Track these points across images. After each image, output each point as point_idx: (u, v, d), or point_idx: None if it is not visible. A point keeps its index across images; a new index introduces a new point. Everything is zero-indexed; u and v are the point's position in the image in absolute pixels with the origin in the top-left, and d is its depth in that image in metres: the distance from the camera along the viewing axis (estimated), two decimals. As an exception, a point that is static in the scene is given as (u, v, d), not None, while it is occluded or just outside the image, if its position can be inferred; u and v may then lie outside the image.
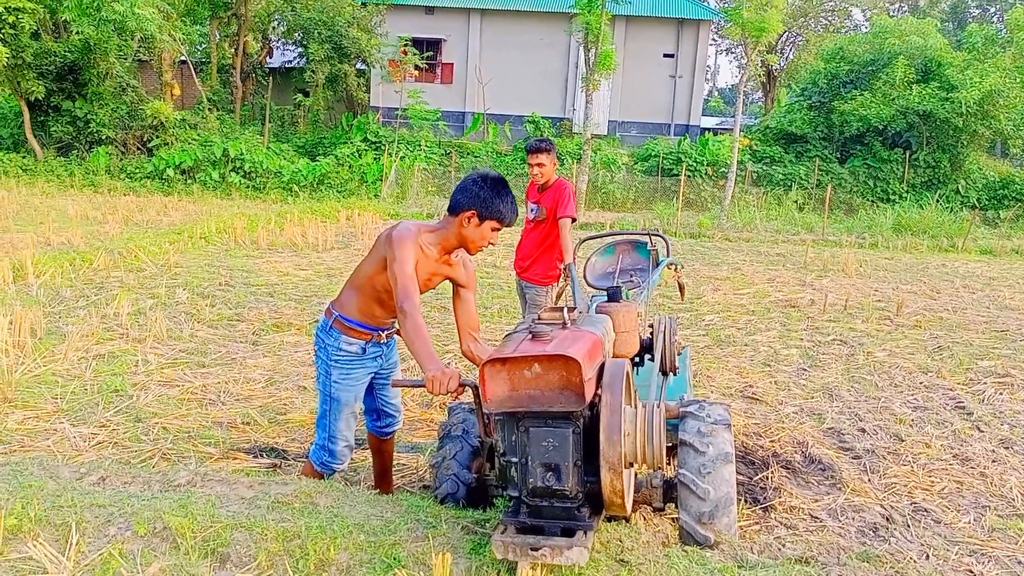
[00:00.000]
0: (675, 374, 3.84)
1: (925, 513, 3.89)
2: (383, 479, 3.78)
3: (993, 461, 4.61)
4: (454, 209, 3.17)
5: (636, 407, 2.77)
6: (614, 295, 3.70)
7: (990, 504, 4.03)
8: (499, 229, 3.21)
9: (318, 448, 3.45)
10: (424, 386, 2.77)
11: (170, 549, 2.75)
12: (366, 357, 3.38)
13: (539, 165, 5.42)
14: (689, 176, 21.56)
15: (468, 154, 23.01)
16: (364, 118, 23.94)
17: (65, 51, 20.43)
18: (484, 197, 3.13)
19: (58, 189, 18.15)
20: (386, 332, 3.42)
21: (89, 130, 20.64)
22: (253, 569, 2.69)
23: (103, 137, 20.58)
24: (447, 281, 3.37)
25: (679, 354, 3.94)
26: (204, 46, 25.78)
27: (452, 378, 2.73)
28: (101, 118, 20.53)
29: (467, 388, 2.78)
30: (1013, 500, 4.07)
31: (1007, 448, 4.84)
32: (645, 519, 3.52)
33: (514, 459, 2.71)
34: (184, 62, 23.50)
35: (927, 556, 3.41)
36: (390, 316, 3.36)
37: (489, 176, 3.20)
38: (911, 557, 3.35)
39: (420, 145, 22.72)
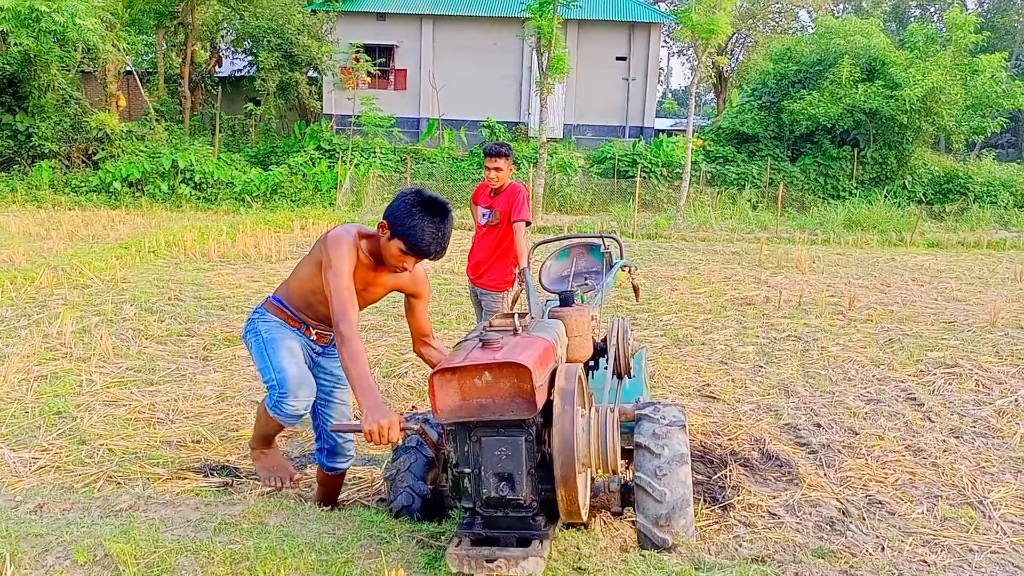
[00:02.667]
0: (630, 377, 3.82)
1: (880, 505, 3.94)
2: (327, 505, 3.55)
3: (944, 451, 4.69)
4: (383, 215, 2.93)
5: (590, 412, 2.75)
6: (566, 299, 3.67)
7: (942, 494, 4.09)
8: (408, 255, 2.86)
9: (269, 393, 3.05)
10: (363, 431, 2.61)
11: (111, 577, 2.65)
12: (298, 335, 3.18)
13: (496, 169, 5.38)
14: (644, 177, 21.73)
15: (424, 160, 22.90)
16: (317, 126, 23.67)
17: (3, 63, 19.81)
18: (401, 213, 2.82)
19: (-1, 205, 17.59)
20: (317, 332, 3.21)
21: (31, 144, 20.03)
22: (199, 595, 2.60)
23: (46, 151, 19.98)
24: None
25: (634, 356, 3.93)
26: (150, 56, 25.21)
27: (392, 427, 2.57)
28: (43, 131, 19.93)
29: (409, 434, 2.71)
30: (964, 489, 4.14)
31: (957, 438, 4.94)
32: (605, 523, 3.49)
33: (467, 470, 2.66)
34: (130, 73, 22.97)
35: (882, 548, 3.45)
36: (322, 320, 3.14)
37: (424, 194, 2.87)
38: (867, 550, 3.38)
39: (375, 152, 22.53)
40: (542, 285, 4.82)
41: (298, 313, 3.16)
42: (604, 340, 3.82)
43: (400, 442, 2.79)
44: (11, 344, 6.24)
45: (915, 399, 5.69)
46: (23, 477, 4.00)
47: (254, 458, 3.35)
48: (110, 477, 4.04)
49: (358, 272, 2.92)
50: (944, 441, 4.86)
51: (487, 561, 2.51)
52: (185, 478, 4.06)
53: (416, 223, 2.81)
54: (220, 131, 22.86)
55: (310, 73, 24.68)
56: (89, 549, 2.72)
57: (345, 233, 2.92)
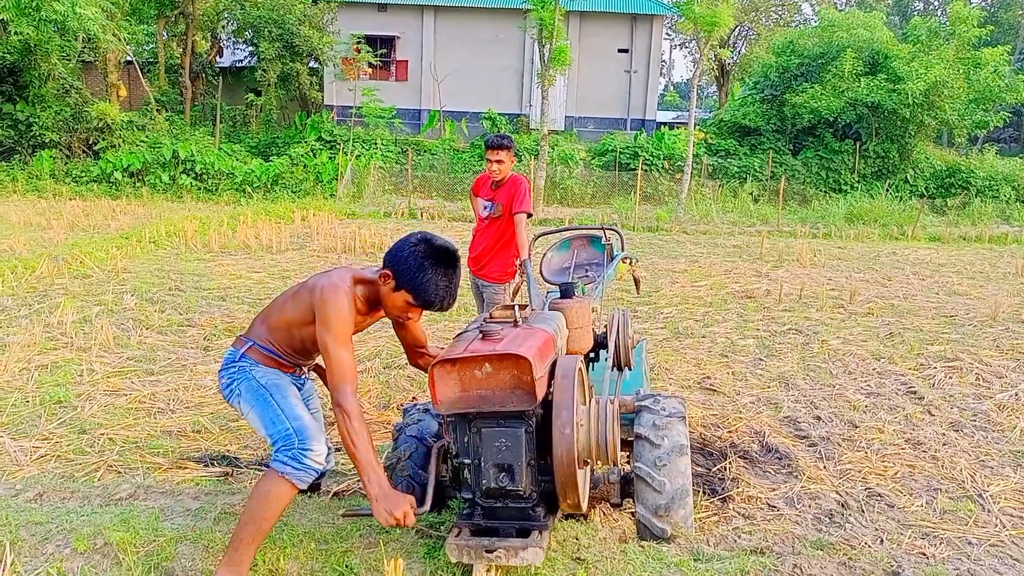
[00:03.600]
0: (630, 369, 3.82)
1: (879, 498, 3.94)
2: None
3: (944, 444, 4.69)
4: (384, 263, 2.73)
5: (590, 404, 2.75)
6: (567, 291, 3.67)
7: (941, 487, 4.10)
8: (416, 307, 2.70)
9: (281, 447, 2.63)
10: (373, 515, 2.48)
11: (112, 566, 2.65)
12: (291, 377, 2.94)
13: (499, 162, 5.36)
14: (646, 170, 21.70)
15: (425, 152, 22.86)
16: (318, 117, 23.63)
17: (4, 52, 19.77)
18: (408, 265, 2.63)
19: None
20: (307, 367, 3.00)
21: (32, 133, 20.01)
22: (199, 583, 2.61)
23: (47, 140, 19.97)
24: None
25: (634, 348, 3.93)
26: (151, 46, 25.18)
27: (407, 516, 2.45)
28: (44, 121, 19.91)
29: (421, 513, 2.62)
30: (963, 482, 4.15)
31: (957, 431, 4.94)
32: (604, 515, 3.50)
33: (467, 460, 2.66)
34: (130, 62, 22.93)
35: (881, 541, 3.45)
36: (307, 359, 2.95)
37: (434, 243, 2.67)
38: (865, 542, 3.38)
39: (376, 143, 22.50)
40: (543, 276, 4.82)
41: (290, 357, 2.88)
42: (604, 332, 3.82)
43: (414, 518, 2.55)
44: (12, 333, 6.24)
45: (915, 393, 5.69)
46: (23, 466, 4.01)
47: None
48: (110, 466, 4.05)
49: (348, 332, 2.69)
50: (944, 435, 4.86)
51: (487, 551, 2.51)
52: (185, 468, 4.06)
53: (428, 277, 2.63)
54: (221, 121, 22.83)
55: (311, 64, 24.65)
56: (89, 537, 2.73)
57: (342, 286, 2.65)
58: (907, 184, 22.83)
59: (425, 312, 2.82)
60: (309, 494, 3.37)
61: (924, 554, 3.34)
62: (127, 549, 2.67)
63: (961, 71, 21.62)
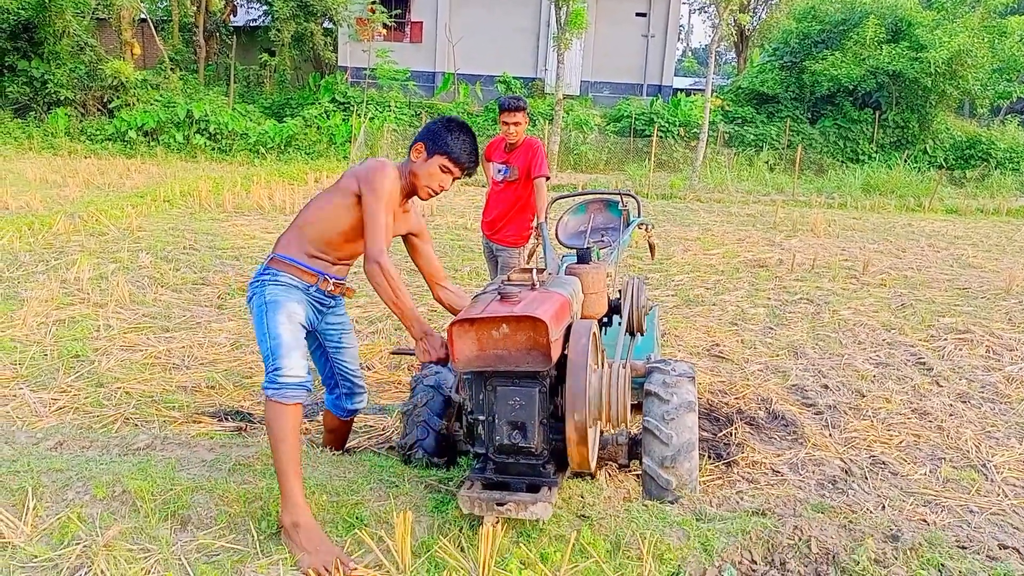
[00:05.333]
0: (642, 335, 3.85)
1: (883, 465, 3.98)
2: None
3: (950, 415, 4.72)
4: (411, 146, 3.07)
5: (602, 367, 2.78)
6: (584, 256, 3.68)
7: (945, 456, 4.13)
8: (449, 171, 3.01)
9: (267, 373, 2.78)
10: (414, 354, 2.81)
11: (130, 512, 2.73)
12: (309, 295, 2.98)
13: (515, 124, 5.31)
14: (661, 137, 21.51)
15: (439, 115, 22.70)
16: (332, 78, 23.47)
17: (19, 8, 19.70)
18: (436, 130, 3.01)
19: (16, 152, 17.64)
20: (334, 281, 3.02)
21: (47, 91, 20.01)
22: (214, 531, 2.68)
23: (62, 98, 19.97)
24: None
25: (647, 314, 3.95)
26: (165, 4, 24.99)
27: (443, 344, 2.77)
28: (59, 78, 19.90)
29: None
30: (967, 452, 4.18)
31: (964, 402, 4.96)
32: (610, 475, 3.56)
33: (481, 417, 2.72)
34: (144, 20, 22.79)
35: (883, 506, 3.50)
36: (337, 264, 3.02)
37: (453, 118, 3.08)
38: (867, 507, 3.43)
39: (390, 106, 22.36)
40: (559, 239, 4.83)
41: (315, 264, 2.96)
42: (619, 297, 3.85)
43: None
44: (30, 288, 6.33)
45: (924, 363, 5.70)
46: (43, 417, 4.10)
47: (289, 546, 2.62)
48: (127, 419, 4.14)
49: (391, 204, 2.96)
50: (951, 405, 4.88)
51: (497, 504, 2.57)
52: (200, 422, 4.14)
53: (456, 136, 3.00)
54: (235, 81, 22.73)
55: (325, 24, 24.41)
56: (108, 485, 2.80)
57: (389, 164, 2.98)
58: (926, 155, 22.52)
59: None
60: (339, 452, 3.44)
61: (925, 520, 3.38)
62: (144, 496, 2.74)
63: (986, 40, 21.18)
